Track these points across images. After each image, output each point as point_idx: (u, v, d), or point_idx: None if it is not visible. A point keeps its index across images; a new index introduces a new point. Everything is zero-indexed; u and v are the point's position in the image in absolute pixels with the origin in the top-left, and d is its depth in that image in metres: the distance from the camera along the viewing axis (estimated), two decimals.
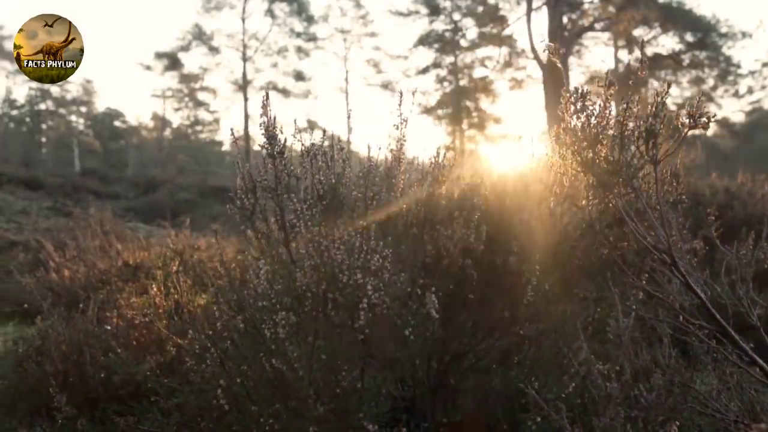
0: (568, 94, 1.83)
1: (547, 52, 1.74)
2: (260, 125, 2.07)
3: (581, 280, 2.06)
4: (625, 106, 1.76)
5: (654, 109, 1.74)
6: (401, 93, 1.86)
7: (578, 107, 1.81)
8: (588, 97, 1.80)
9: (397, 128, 1.89)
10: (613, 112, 1.87)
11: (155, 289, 3.23)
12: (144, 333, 3.06)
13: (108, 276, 4.73)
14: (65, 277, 4.56)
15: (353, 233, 1.54)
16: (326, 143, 2.11)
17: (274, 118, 2.08)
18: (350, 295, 1.48)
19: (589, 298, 2.00)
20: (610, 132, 1.84)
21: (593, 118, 1.82)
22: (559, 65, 1.81)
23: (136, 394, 2.76)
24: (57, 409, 2.45)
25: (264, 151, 2.07)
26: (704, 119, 1.73)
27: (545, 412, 1.58)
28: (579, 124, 1.84)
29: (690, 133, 1.79)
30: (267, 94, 2.06)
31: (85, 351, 2.96)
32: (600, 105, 1.81)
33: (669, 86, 1.76)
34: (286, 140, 2.08)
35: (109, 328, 3.20)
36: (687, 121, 1.72)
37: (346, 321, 1.53)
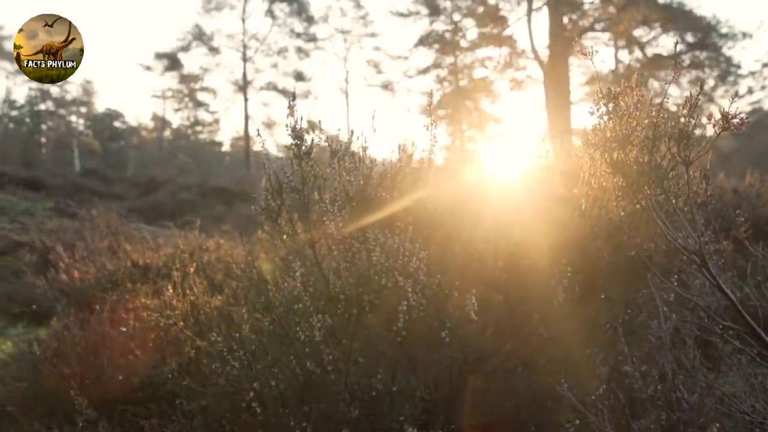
0: (600, 95, 1.82)
1: (581, 52, 1.73)
2: (287, 126, 2.06)
3: (609, 282, 2.06)
4: (658, 107, 1.75)
5: (688, 110, 1.73)
6: (431, 93, 1.86)
7: (610, 108, 1.80)
8: (620, 98, 1.79)
9: (427, 129, 1.88)
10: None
11: (171, 290, 3.21)
12: (161, 335, 3.04)
13: (117, 277, 4.72)
14: (75, 278, 4.54)
15: (389, 234, 1.53)
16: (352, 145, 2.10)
17: (301, 119, 2.07)
18: (388, 298, 1.47)
19: (618, 300, 1.99)
20: (641, 133, 1.84)
21: (624, 119, 1.81)
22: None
23: (154, 396, 2.75)
24: (77, 412, 2.44)
25: (291, 152, 2.06)
26: (737, 120, 1.72)
27: (582, 415, 1.57)
28: (610, 125, 1.83)
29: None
30: (294, 96, 2.05)
31: (102, 353, 2.95)
32: (632, 106, 1.80)
33: (702, 87, 1.76)
34: (313, 141, 2.07)
35: (124, 329, 3.19)
36: (720, 122, 1.71)
37: (383, 323, 1.52)
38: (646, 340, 2.09)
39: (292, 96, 2.04)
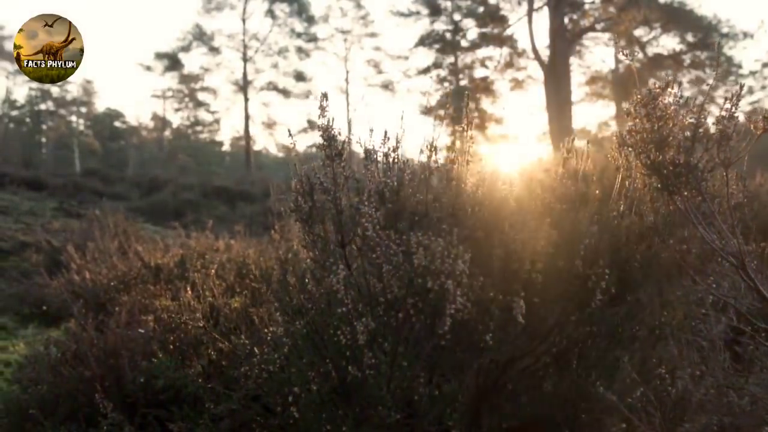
0: (638, 95, 1.81)
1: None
2: (318, 127, 2.04)
3: (642, 283, 2.05)
4: (699, 107, 1.74)
5: (728, 112, 1.72)
6: (468, 94, 1.84)
7: (650, 109, 1.78)
8: (660, 98, 1.78)
9: (464, 130, 1.86)
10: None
11: (189, 291, 3.20)
12: (181, 336, 3.02)
13: (129, 278, 4.69)
14: (88, 279, 4.52)
15: (432, 237, 1.52)
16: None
17: (333, 119, 2.05)
18: (434, 301, 1.46)
19: (653, 302, 1.98)
20: (678, 134, 1.82)
21: (663, 120, 1.80)
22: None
23: (177, 399, 2.72)
24: (101, 415, 2.42)
25: (323, 152, 2.04)
26: None
27: (625, 418, 1.56)
28: (648, 126, 1.82)
29: None
30: (326, 95, 2.03)
31: (123, 355, 2.93)
32: (672, 106, 1.79)
33: (741, 89, 1.75)
34: (345, 142, 2.05)
35: (143, 331, 3.16)
36: (761, 124, 1.70)
37: (428, 327, 1.50)
38: (679, 342, 2.08)
39: (324, 96, 2.02)
